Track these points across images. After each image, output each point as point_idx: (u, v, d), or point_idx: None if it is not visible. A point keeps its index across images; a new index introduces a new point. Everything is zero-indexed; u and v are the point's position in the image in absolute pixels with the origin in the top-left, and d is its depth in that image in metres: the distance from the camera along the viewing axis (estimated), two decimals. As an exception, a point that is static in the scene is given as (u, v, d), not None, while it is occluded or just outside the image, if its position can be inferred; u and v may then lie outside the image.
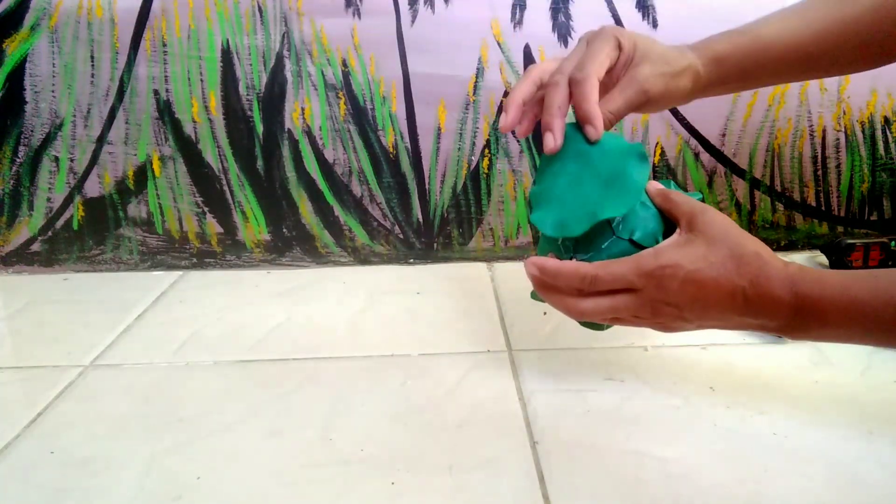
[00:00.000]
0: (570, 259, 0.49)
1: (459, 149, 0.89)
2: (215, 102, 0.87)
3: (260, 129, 0.88)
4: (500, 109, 0.87)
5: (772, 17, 0.59)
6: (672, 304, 0.45)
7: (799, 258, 0.90)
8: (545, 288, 0.48)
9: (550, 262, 0.47)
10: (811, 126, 0.89)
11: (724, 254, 0.44)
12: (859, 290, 0.42)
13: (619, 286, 0.45)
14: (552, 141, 0.49)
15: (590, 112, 0.48)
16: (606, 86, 0.53)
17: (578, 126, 0.50)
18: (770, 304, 0.43)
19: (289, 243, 0.92)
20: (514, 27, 0.85)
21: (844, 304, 0.42)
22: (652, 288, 0.44)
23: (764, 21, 0.59)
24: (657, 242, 0.47)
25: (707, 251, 0.44)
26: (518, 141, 0.88)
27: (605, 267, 0.45)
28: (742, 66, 0.57)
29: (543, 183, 0.51)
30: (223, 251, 0.92)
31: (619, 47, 0.51)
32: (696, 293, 0.44)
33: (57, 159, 0.88)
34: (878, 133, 0.89)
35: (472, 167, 0.89)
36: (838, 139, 0.89)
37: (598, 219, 0.47)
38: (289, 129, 0.88)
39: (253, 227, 0.91)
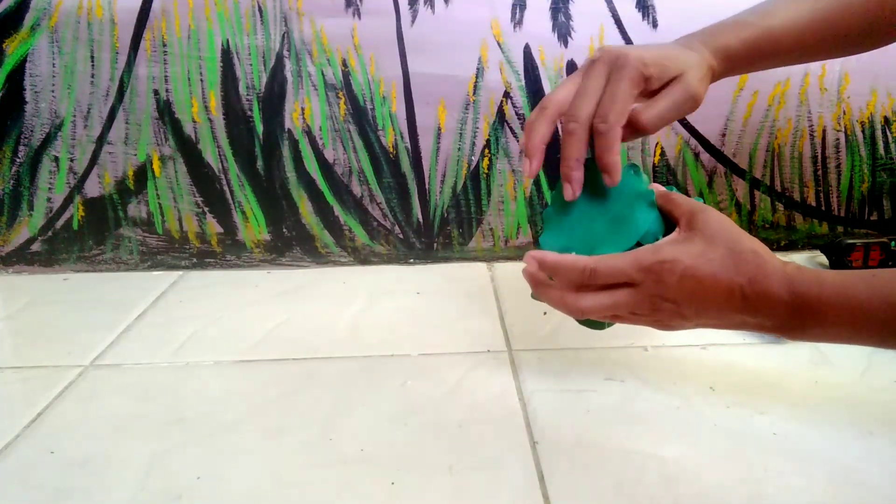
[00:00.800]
0: None
1: (459, 149, 0.89)
2: (215, 102, 0.87)
3: (260, 129, 0.88)
4: (500, 109, 0.87)
5: (776, 5, 0.58)
6: (670, 300, 0.45)
7: (799, 258, 0.90)
8: (543, 287, 0.48)
9: (550, 255, 0.47)
10: (811, 126, 0.89)
11: (722, 251, 0.44)
12: (857, 290, 0.42)
13: (618, 280, 0.45)
14: (571, 192, 0.50)
15: (610, 164, 0.49)
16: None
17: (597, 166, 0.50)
18: (768, 302, 0.43)
19: (289, 243, 0.92)
20: (514, 27, 0.85)
21: (842, 303, 0.42)
22: (650, 283, 0.44)
23: (770, 11, 0.58)
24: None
25: (705, 248, 0.44)
26: (518, 141, 0.88)
27: (604, 260, 0.45)
28: (749, 60, 0.57)
29: (557, 207, 0.53)
30: (223, 251, 0.92)
31: (645, 79, 0.50)
32: (695, 289, 0.44)
33: (57, 159, 0.88)
34: (878, 133, 0.89)
35: (472, 167, 0.89)
36: (838, 139, 0.89)
37: (596, 254, 0.48)
38: (289, 129, 0.88)
39: (253, 227, 0.91)
